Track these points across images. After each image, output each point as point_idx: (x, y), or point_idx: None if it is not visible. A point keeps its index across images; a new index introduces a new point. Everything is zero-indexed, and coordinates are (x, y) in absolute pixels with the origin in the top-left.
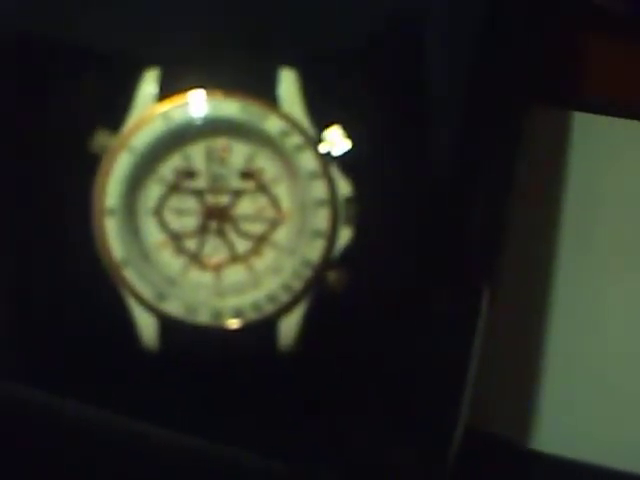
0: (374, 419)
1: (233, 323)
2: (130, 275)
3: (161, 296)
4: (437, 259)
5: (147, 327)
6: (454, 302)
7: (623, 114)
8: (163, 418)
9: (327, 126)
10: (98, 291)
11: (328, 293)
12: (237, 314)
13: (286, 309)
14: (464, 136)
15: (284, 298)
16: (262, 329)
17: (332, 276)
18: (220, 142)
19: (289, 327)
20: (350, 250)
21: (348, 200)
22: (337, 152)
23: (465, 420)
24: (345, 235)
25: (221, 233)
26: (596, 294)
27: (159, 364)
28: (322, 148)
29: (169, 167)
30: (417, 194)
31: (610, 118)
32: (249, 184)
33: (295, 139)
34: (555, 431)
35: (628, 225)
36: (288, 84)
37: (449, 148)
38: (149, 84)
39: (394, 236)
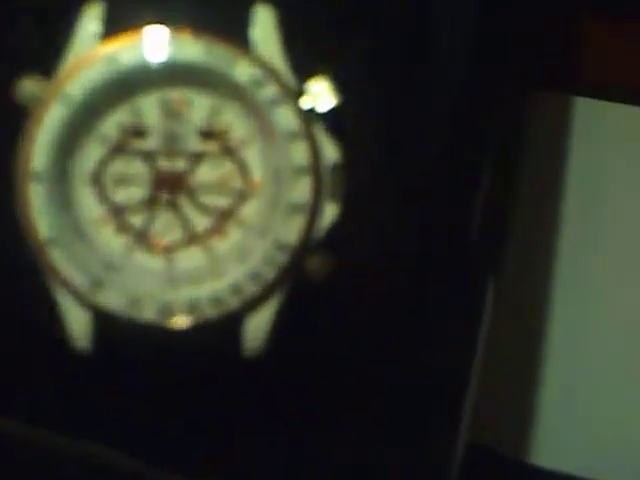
0: (362, 438)
1: (187, 320)
2: (59, 257)
3: (97, 284)
4: (438, 243)
5: (79, 323)
6: (456, 294)
7: (624, 98)
8: (97, 434)
9: (310, 76)
10: (19, 277)
11: (307, 284)
12: (192, 309)
13: (255, 304)
14: (467, 105)
15: (252, 290)
16: (224, 328)
17: (313, 263)
18: (177, 93)
19: (258, 326)
20: (336, 230)
21: (334, 168)
22: (322, 108)
23: (468, 426)
24: (330, 211)
25: (175, 207)
26: (599, 290)
27: (93, 369)
28: (303, 103)
29: (113, 123)
30: (417, 165)
31: (611, 103)
32: (211, 146)
33: (270, 90)
34: (555, 445)
35: (631, 211)
36: (264, 24)
37: (450, 116)
38: (90, 20)
39: (389, 215)
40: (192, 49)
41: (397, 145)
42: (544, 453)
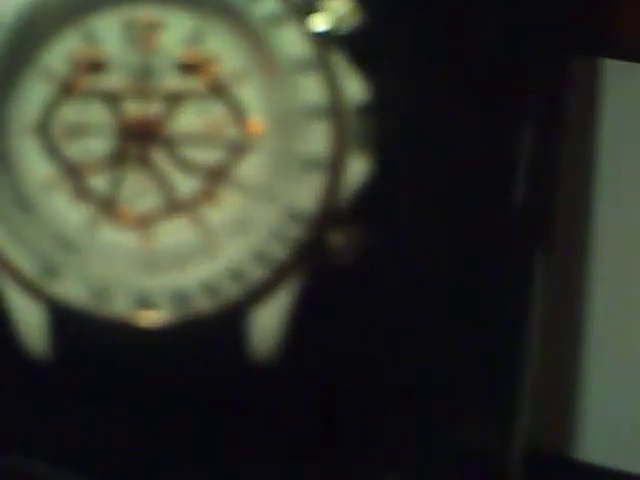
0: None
1: (171, 316)
2: None
3: (51, 270)
4: (484, 214)
5: (30, 321)
6: (503, 272)
7: None
8: (59, 458)
9: None
10: None
11: (330, 266)
12: (178, 300)
13: (261, 293)
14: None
15: (258, 274)
16: (221, 326)
17: (337, 237)
18: (145, 11)
19: (266, 323)
20: (366, 194)
21: (361, 109)
22: (342, 29)
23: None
24: (357, 168)
25: (149, 164)
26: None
27: (51, 378)
28: (317, 22)
29: (60, 53)
30: (463, 110)
31: None
32: (194, 82)
33: (270, 4)
34: (600, 440)
35: None
36: None
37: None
38: None
39: (430, 174)
40: None
41: (432, 83)
42: (592, 448)
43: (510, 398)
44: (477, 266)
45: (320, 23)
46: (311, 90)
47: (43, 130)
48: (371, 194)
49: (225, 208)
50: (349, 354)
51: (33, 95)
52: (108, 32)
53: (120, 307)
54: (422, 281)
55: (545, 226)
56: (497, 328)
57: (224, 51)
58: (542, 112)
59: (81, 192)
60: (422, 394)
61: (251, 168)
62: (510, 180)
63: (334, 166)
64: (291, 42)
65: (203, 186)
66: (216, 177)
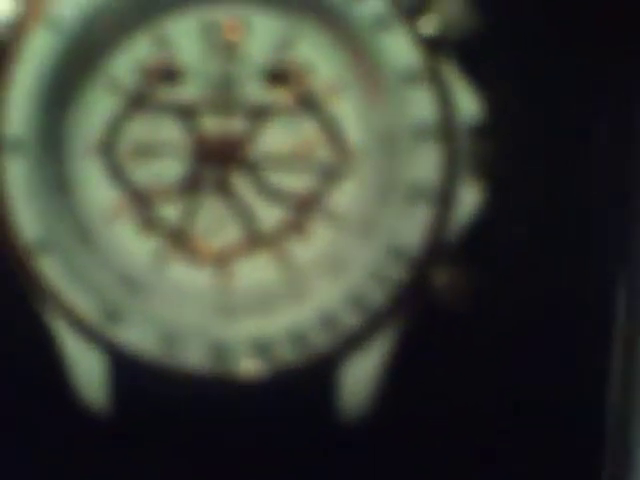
0: None
1: (254, 367)
2: (53, 271)
3: (113, 313)
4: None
5: (87, 368)
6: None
7: None
8: None
9: None
10: None
11: (435, 309)
12: (261, 350)
13: (356, 342)
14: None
15: (352, 320)
16: (310, 379)
17: (444, 277)
18: (228, 13)
19: (361, 375)
20: (479, 229)
21: (475, 130)
22: (454, 34)
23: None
24: (469, 198)
25: (228, 191)
26: None
27: (111, 434)
28: (427, 25)
29: (128, 61)
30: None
31: None
32: (283, 95)
33: (375, 5)
34: None
35: None
36: None
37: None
38: None
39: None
40: None
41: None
42: None
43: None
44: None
45: (430, 26)
46: (419, 106)
47: (108, 150)
48: (483, 226)
49: (315, 243)
50: (452, 409)
51: (97, 109)
52: (184, 37)
53: (193, 357)
54: (533, 324)
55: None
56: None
57: (318, 59)
58: None
59: (149, 222)
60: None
61: (346, 197)
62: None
63: (443, 196)
64: (398, 49)
65: (290, 217)
66: (305, 207)
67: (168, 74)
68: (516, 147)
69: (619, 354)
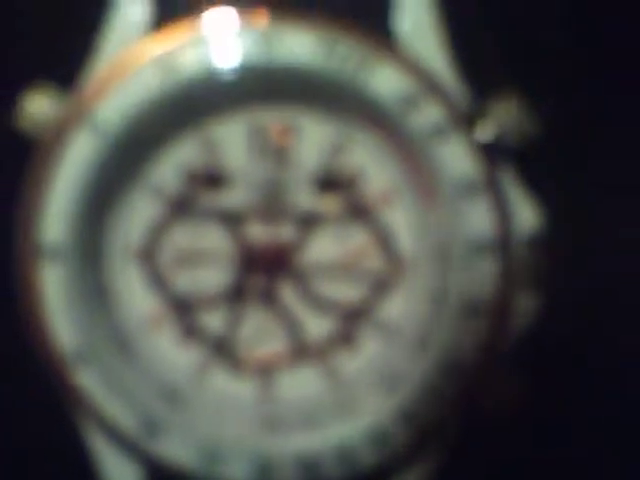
0: None
1: None
2: (91, 383)
3: (152, 425)
4: None
5: None
6: None
7: None
8: None
9: (493, 92)
10: (29, 413)
11: (489, 425)
12: (304, 466)
13: (406, 459)
14: None
15: (403, 436)
16: None
17: (499, 391)
18: (277, 116)
19: None
20: (534, 339)
21: (534, 242)
22: (512, 140)
23: None
24: (526, 310)
25: (274, 300)
26: None
27: None
28: (483, 134)
29: (172, 164)
30: None
31: None
32: (333, 203)
33: (431, 114)
34: None
35: None
36: (417, 6)
37: None
38: (133, 3)
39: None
40: (301, 45)
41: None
42: None
43: None
44: None
45: (487, 133)
46: (476, 218)
47: (149, 256)
48: (539, 338)
49: (365, 356)
50: None
51: (139, 214)
52: (232, 140)
53: (235, 472)
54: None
55: None
56: None
57: (371, 165)
58: None
59: (191, 332)
60: None
61: (398, 309)
62: None
63: (498, 309)
64: (454, 157)
65: (338, 327)
66: (355, 318)
67: (214, 179)
68: (573, 257)
69: None
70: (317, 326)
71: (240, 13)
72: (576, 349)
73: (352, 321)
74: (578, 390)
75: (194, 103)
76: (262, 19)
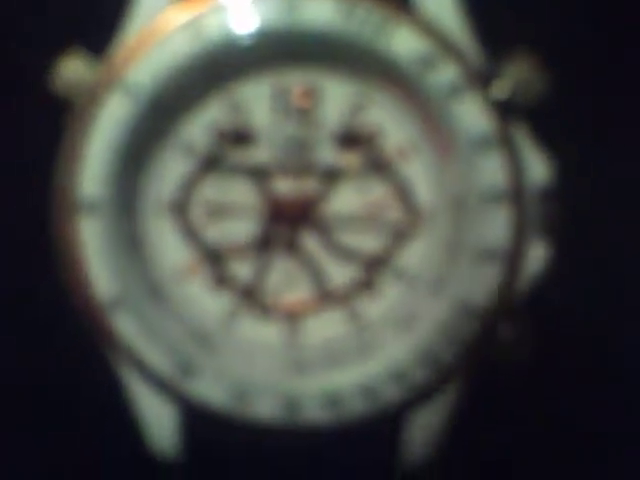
0: None
1: (324, 419)
2: (127, 328)
3: (187, 367)
4: None
5: (160, 421)
6: None
7: None
8: None
9: (507, 52)
10: (69, 357)
11: (501, 365)
12: (331, 402)
13: (424, 395)
14: None
15: (421, 374)
16: (378, 430)
17: (511, 332)
18: (300, 78)
19: (427, 427)
20: (545, 285)
21: (545, 193)
22: (526, 98)
23: None
24: (537, 258)
25: (300, 250)
26: None
27: None
28: (498, 92)
29: (201, 124)
30: None
31: None
32: (354, 158)
33: (447, 73)
34: None
35: None
36: None
37: None
38: None
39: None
40: (322, 9)
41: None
42: None
43: None
44: None
45: (501, 91)
46: (490, 171)
47: (181, 210)
48: (550, 284)
49: (385, 301)
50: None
51: (171, 171)
52: (256, 100)
53: (265, 409)
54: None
55: None
56: None
57: (390, 123)
58: None
59: (221, 280)
60: None
61: (416, 256)
62: None
63: (512, 256)
64: (470, 115)
65: (360, 275)
66: (375, 266)
67: (241, 137)
68: (583, 208)
69: None
70: (340, 273)
71: None
72: (583, 300)
73: (373, 268)
74: (584, 339)
75: (220, 66)
76: None
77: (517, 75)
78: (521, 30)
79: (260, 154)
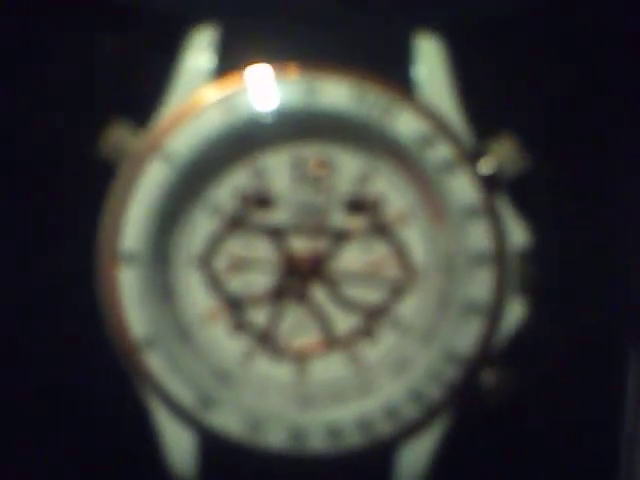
0: None
1: (324, 449)
2: (157, 364)
3: (207, 400)
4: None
5: (182, 448)
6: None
7: None
8: None
9: (493, 133)
10: (105, 389)
11: (483, 406)
12: (333, 434)
13: (413, 430)
14: None
15: (411, 412)
16: (373, 460)
17: (492, 378)
18: (315, 151)
19: (416, 458)
20: (522, 337)
21: (523, 255)
22: (508, 174)
23: None
24: (515, 312)
25: (310, 300)
26: None
27: None
28: (485, 168)
29: (229, 188)
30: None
31: None
32: (360, 222)
33: (442, 151)
34: None
35: None
36: (431, 61)
37: None
38: (200, 51)
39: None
40: (335, 93)
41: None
42: None
43: None
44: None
45: (487, 167)
46: (477, 236)
47: (207, 263)
48: (527, 336)
49: (383, 347)
50: None
51: (200, 228)
52: (277, 169)
53: (275, 440)
54: (573, 425)
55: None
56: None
57: (391, 193)
58: None
59: (240, 325)
60: None
61: (411, 309)
62: None
63: (493, 310)
64: (460, 188)
65: (361, 324)
66: (375, 316)
67: (262, 201)
68: (557, 269)
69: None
70: (344, 322)
71: (282, 65)
72: (557, 348)
73: (373, 318)
74: (558, 383)
75: (246, 139)
76: (299, 71)
77: (501, 154)
78: (505, 114)
79: (279, 216)
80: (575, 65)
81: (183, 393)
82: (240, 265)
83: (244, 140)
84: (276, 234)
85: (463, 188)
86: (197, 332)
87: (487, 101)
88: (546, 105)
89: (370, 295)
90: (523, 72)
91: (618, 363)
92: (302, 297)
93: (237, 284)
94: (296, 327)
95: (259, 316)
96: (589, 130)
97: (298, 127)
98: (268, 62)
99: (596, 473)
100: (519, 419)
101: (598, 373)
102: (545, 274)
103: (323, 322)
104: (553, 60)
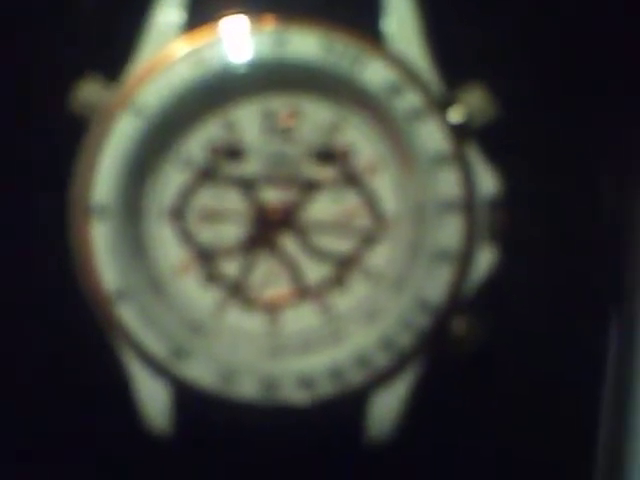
0: None
1: (297, 398)
2: (129, 316)
3: (179, 351)
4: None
5: (156, 399)
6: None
7: None
8: None
9: (462, 82)
10: (76, 341)
11: (452, 354)
12: (304, 384)
13: (385, 378)
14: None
15: (382, 360)
16: (345, 408)
17: (461, 326)
18: (285, 103)
19: (387, 406)
20: (492, 284)
21: (493, 203)
22: (477, 122)
23: None
24: (485, 260)
25: (281, 251)
26: None
27: (174, 456)
28: (453, 116)
29: (199, 141)
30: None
31: None
32: (330, 172)
33: (410, 99)
34: None
35: None
36: (400, 12)
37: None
38: (170, 6)
39: (557, 264)
40: (305, 44)
41: (563, 171)
42: None
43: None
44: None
45: (457, 116)
46: (446, 184)
47: (179, 215)
48: (496, 283)
49: (353, 295)
50: (464, 440)
51: (171, 181)
52: (247, 121)
53: (247, 389)
54: (542, 373)
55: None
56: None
57: (361, 142)
58: None
59: (212, 277)
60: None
61: (382, 258)
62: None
63: (463, 258)
64: (429, 136)
65: (332, 273)
66: (346, 265)
67: (233, 152)
68: (526, 217)
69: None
70: (315, 272)
71: (253, 19)
72: (531, 299)
73: (344, 267)
74: (531, 334)
75: (216, 91)
76: (271, 23)
77: (471, 102)
78: (475, 63)
79: (249, 167)
80: (545, 14)
81: (156, 345)
82: (211, 217)
83: (215, 92)
84: (247, 185)
85: (433, 136)
86: (169, 284)
87: (457, 51)
88: (516, 54)
89: (341, 245)
90: (493, 22)
91: (596, 316)
92: (273, 248)
93: (208, 236)
94: (267, 278)
95: (230, 267)
96: (558, 79)
97: (268, 78)
98: (238, 15)
99: (569, 422)
100: (491, 368)
101: (574, 326)
102: (515, 222)
103: (294, 272)
104: (522, 9)
